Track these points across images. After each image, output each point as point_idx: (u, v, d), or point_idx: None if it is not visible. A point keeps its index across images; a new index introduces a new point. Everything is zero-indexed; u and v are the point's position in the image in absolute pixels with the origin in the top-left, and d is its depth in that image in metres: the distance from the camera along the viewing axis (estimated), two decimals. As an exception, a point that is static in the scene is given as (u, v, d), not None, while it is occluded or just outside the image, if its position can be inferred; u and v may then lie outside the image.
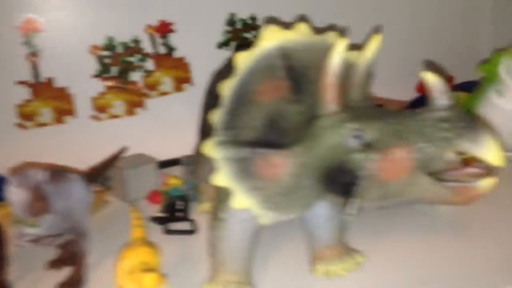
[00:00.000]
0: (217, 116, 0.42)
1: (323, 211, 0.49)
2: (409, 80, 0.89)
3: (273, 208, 0.43)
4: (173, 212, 0.65)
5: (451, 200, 0.39)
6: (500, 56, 0.67)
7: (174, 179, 0.72)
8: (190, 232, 0.61)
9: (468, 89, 0.76)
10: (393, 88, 0.81)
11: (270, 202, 0.42)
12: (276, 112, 0.42)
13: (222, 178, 0.42)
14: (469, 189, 0.38)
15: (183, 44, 0.78)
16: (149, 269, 0.43)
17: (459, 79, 0.93)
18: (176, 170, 0.77)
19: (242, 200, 0.42)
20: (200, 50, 0.79)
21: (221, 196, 0.45)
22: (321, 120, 0.41)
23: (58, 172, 0.51)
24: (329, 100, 0.41)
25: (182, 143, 0.72)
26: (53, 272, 0.53)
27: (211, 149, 0.42)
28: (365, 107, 0.42)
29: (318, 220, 0.50)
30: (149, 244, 0.48)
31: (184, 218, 0.64)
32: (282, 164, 0.41)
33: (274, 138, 0.42)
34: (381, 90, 0.68)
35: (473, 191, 0.38)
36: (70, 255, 0.52)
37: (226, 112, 0.42)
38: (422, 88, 0.92)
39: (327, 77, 0.40)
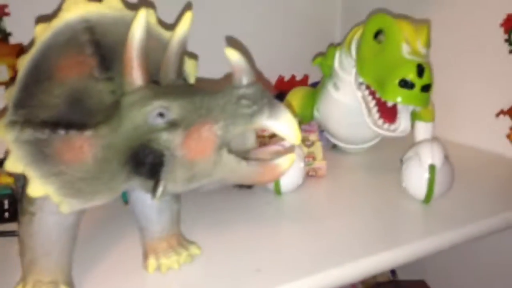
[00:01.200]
0: (9, 94, 0.38)
1: (152, 201, 0.47)
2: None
3: (75, 195, 0.39)
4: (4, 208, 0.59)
5: (255, 178, 0.39)
6: (334, 50, 0.71)
7: (5, 177, 0.65)
8: (16, 233, 0.55)
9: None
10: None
11: (71, 188, 0.39)
12: (81, 90, 0.39)
13: (14, 163, 0.38)
14: (271, 167, 0.38)
15: (19, 28, 0.71)
16: None
17: (314, 78, 0.98)
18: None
19: (38, 187, 0.38)
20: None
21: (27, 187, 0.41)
22: (126, 97, 0.39)
23: None
24: (133, 76, 0.39)
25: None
26: None
27: (4, 127, 0.37)
28: (173, 85, 0.41)
29: (149, 212, 0.48)
30: None
31: (11, 219, 0.58)
32: (84, 146, 0.38)
33: (77, 118, 0.39)
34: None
35: (275, 169, 0.38)
36: None
37: (19, 90, 0.38)
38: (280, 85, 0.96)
39: (129, 51, 0.38)
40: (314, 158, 0.67)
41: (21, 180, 0.61)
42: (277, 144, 0.39)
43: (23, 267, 0.43)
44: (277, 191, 0.63)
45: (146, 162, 0.39)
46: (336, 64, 0.69)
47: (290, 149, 0.39)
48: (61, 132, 0.38)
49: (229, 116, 0.37)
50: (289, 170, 0.39)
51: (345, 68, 0.68)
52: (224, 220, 0.58)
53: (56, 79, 0.39)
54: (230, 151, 0.38)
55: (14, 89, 0.38)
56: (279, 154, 0.39)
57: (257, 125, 0.37)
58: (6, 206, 0.59)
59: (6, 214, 0.59)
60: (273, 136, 0.38)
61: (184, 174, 0.39)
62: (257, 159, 0.38)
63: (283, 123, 0.37)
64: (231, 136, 0.38)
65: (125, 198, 0.61)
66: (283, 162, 0.38)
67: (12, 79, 0.72)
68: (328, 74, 0.71)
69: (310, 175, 0.67)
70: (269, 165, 0.38)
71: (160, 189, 0.39)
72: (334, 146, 0.78)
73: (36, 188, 0.38)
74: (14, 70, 0.72)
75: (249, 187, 0.65)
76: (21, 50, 0.72)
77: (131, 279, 0.47)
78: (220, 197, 0.63)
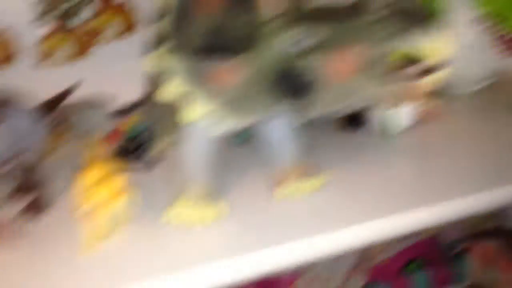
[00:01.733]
0: (163, 26, 0.42)
1: (281, 131, 0.50)
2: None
3: (231, 113, 0.43)
4: (136, 146, 0.65)
5: (399, 98, 0.40)
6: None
7: (132, 120, 0.70)
8: (148, 165, 0.62)
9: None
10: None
11: (228, 108, 0.43)
12: (222, 24, 0.42)
13: (177, 85, 0.42)
14: (415, 86, 0.39)
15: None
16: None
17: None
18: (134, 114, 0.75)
19: (200, 107, 0.42)
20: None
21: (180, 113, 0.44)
22: (266, 26, 0.41)
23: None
24: (271, 5, 0.41)
25: (136, 88, 0.70)
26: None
27: (161, 57, 0.41)
28: (310, 12, 0.43)
29: (277, 143, 0.51)
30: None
31: (143, 155, 0.64)
32: (233, 72, 0.42)
33: (224, 46, 0.42)
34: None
35: (418, 88, 0.39)
36: (26, 184, 0.52)
37: (172, 23, 0.42)
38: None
39: None
40: (424, 100, 0.66)
41: (155, 114, 0.66)
42: (420, 64, 0.39)
43: (180, 186, 0.49)
44: (386, 132, 0.63)
45: (292, 85, 0.41)
46: (446, 2, 0.67)
47: (435, 68, 0.39)
48: (213, 58, 0.41)
49: (369, 37, 0.39)
50: (433, 89, 0.39)
51: (456, 5, 0.66)
52: (335, 159, 0.59)
53: (198, 15, 0.42)
54: (373, 72, 0.39)
55: (167, 23, 0.42)
56: (423, 74, 0.39)
57: (398, 44, 0.38)
58: (139, 143, 0.65)
59: (140, 151, 0.64)
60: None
61: (327, 96, 0.41)
62: (401, 79, 0.39)
63: (425, 40, 0.37)
64: (373, 58, 0.39)
65: (240, 140, 0.65)
66: (427, 81, 0.39)
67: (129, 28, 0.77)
68: (437, 14, 0.69)
69: (421, 117, 0.67)
70: (413, 85, 0.39)
71: (306, 111, 0.41)
72: (441, 92, 0.76)
73: (198, 107, 0.42)
74: (124, 26, 0.77)
75: (355, 128, 0.66)
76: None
77: (263, 205, 0.50)
78: (327, 139, 0.64)
